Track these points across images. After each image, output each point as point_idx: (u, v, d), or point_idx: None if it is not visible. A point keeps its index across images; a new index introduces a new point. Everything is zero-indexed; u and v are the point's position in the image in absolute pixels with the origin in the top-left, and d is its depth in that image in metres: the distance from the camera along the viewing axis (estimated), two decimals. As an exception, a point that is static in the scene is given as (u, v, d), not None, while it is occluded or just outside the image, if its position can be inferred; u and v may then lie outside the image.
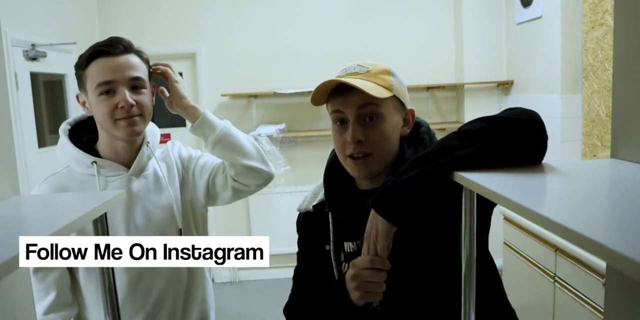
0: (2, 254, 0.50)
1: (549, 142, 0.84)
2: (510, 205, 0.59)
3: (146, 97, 1.25)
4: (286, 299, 1.22)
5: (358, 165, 1.04)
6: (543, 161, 0.82)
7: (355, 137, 1.01)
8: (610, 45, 2.70)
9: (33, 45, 3.05)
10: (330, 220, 1.12)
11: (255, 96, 4.03)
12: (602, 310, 1.70)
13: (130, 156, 1.29)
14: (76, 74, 1.25)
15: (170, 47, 3.99)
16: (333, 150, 1.16)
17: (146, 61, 1.28)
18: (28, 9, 3.08)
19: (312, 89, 1.04)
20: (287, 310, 1.20)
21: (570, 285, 2.17)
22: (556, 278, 2.29)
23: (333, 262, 1.11)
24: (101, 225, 0.82)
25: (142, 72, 1.24)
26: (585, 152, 3.04)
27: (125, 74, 1.20)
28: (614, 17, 0.78)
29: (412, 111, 1.10)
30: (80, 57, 1.23)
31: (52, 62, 3.28)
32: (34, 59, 3.07)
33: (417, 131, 1.10)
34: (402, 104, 1.08)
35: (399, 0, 4.06)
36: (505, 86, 3.92)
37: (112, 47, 1.21)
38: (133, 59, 1.24)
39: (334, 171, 1.14)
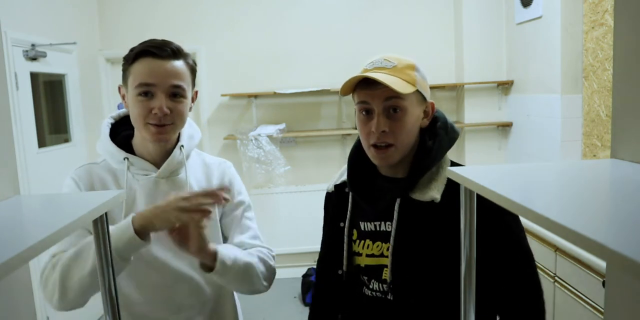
0: (2, 254, 0.50)
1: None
2: (510, 205, 0.59)
3: (183, 105, 1.22)
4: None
5: (380, 154, 1.13)
6: (543, 161, 0.82)
7: (380, 127, 1.10)
8: (610, 45, 2.70)
9: (33, 45, 3.05)
10: (350, 199, 1.22)
11: (255, 96, 4.03)
12: (602, 310, 1.70)
13: (162, 156, 1.28)
14: (123, 65, 1.24)
15: (170, 47, 3.98)
16: (359, 136, 1.24)
17: (192, 68, 1.26)
18: (28, 9, 3.08)
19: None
20: (313, 294, 1.35)
21: (570, 285, 2.16)
22: (556, 278, 2.29)
23: (345, 237, 1.19)
24: (101, 225, 0.82)
25: (185, 80, 1.22)
26: (585, 152, 3.04)
27: (167, 80, 1.19)
28: (614, 17, 0.78)
29: (432, 104, 1.18)
30: (130, 50, 1.22)
31: (52, 62, 3.28)
32: (34, 59, 3.07)
33: (435, 124, 1.18)
34: (424, 98, 1.15)
35: (399, 1, 4.06)
36: (505, 86, 3.91)
37: (161, 49, 1.19)
38: (179, 65, 1.21)
39: (357, 154, 1.23)
